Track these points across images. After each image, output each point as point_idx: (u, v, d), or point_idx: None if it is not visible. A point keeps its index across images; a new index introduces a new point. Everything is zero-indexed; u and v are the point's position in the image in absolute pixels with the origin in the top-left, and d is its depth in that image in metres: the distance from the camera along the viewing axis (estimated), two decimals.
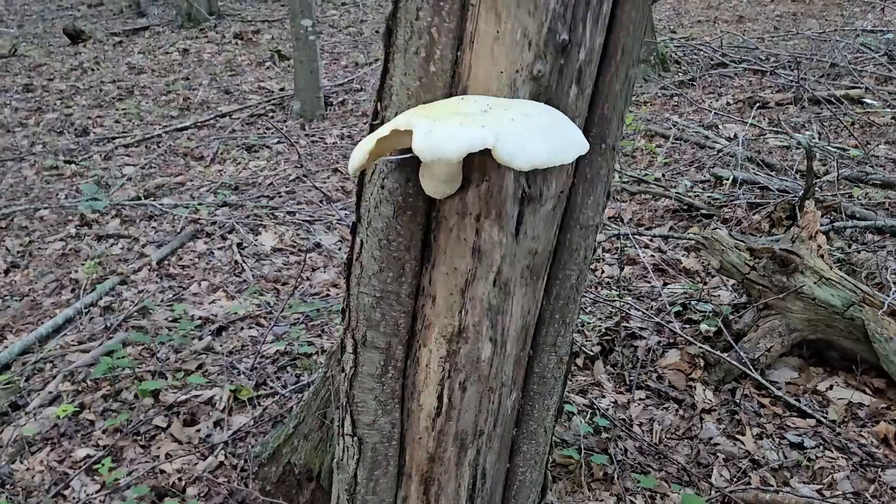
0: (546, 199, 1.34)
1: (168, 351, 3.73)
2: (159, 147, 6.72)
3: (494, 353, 1.41)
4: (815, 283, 3.15)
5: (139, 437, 3.21)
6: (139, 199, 5.52)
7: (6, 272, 4.78)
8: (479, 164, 1.27)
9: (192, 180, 5.96)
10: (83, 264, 4.64)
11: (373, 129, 1.34)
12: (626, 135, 6.24)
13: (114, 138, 6.96)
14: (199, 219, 5.14)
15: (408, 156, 1.12)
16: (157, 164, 6.35)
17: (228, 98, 8.11)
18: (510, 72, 1.23)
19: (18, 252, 4.96)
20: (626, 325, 3.58)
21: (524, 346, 1.48)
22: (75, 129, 7.25)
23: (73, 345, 3.90)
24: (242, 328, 3.96)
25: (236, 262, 4.63)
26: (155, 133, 7.02)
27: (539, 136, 1.04)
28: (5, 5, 13.93)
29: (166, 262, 4.68)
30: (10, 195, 5.88)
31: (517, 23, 1.21)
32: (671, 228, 4.65)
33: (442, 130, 1.01)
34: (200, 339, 3.85)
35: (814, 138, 5.55)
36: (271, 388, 3.43)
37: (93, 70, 9.11)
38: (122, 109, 7.72)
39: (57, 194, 5.80)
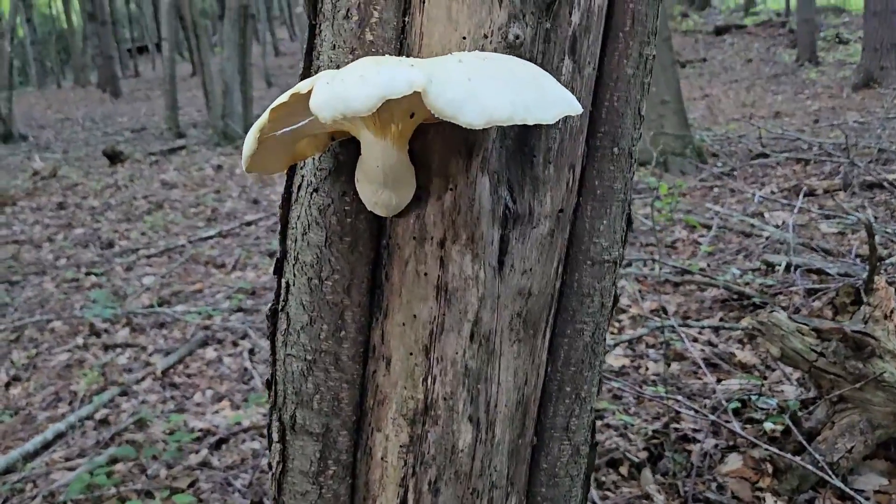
0: (539, 219, 0.98)
1: (160, 466, 3.34)
2: (181, 256, 6.56)
3: (478, 438, 1.01)
4: None
5: None
6: (152, 306, 5.27)
7: (7, 385, 4.50)
8: (439, 166, 0.92)
9: (210, 287, 5.72)
10: (84, 375, 4.34)
11: None
12: (663, 225, 5.88)
13: (137, 249, 6.83)
14: (211, 325, 4.85)
15: (303, 122, 0.77)
16: (177, 273, 6.15)
17: (256, 207, 8.02)
18: (475, 37, 0.89)
19: (23, 365, 4.70)
20: (677, 426, 3.09)
21: (523, 430, 1.08)
22: (101, 243, 7.17)
23: (60, 461, 3.54)
24: (244, 440, 3.56)
25: (246, 368, 4.28)
26: (179, 243, 6.88)
27: (500, 82, 0.69)
28: (54, 134, 14.49)
29: (172, 370, 4.36)
30: (26, 308, 5.70)
31: None
32: (721, 319, 4.19)
33: (349, 75, 0.67)
34: (197, 452, 3.46)
35: (870, 221, 5.11)
36: None
37: (126, 187, 9.18)
38: (150, 222, 7.65)
39: (72, 305, 5.60)
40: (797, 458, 2.62)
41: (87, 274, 6.30)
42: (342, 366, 0.99)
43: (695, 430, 3.07)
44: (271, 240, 6.76)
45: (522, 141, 0.95)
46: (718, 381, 3.53)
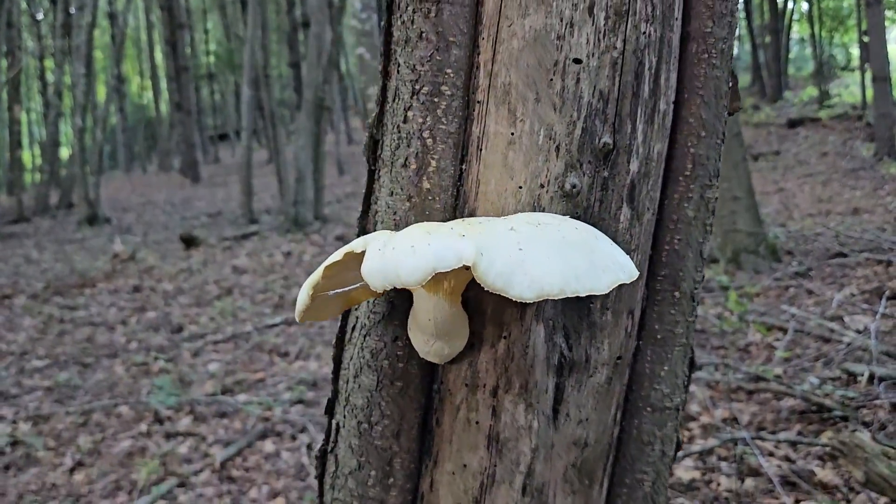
0: (596, 367, 0.94)
1: None
2: (247, 343, 6.65)
3: None
4: None
5: None
6: (215, 395, 5.33)
7: (71, 471, 4.56)
8: (493, 314, 0.90)
9: (272, 376, 5.76)
10: (145, 464, 4.37)
11: None
12: (735, 327, 5.68)
13: (205, 335, 6.97)
14: (271, 417, 4.86)
15: (356, 286, 0.76)
16: (241, 361, 6.23)
17: None
18: (532, 186, 0.89)
19: (88, 450, 4.77)
20: None
21: None
22: (171, 327, 7.35)
23: None
24: None
25: (303, 465, 4.24)
26: (245, 330, 7.00)
27: (551, 251, 0.67)
28: (136, 217, 15.18)
29: (230, 462, 4.35)
30: (96, 391, 5.83)
31: (538, 121, 0.88)
32: (799, 433, 3.96)
33: (400, 244, 0.66)
34: None
35: None
36: None
37: (199, 272, 9.47)
38: (219, 308, 7.84)
39: (140, 390, 5.71)
40: None
41: (156, 358, 6.44)
42: None
43: None
44: (335, 329, 6.81)
45: None
46: (797, 502, 3.31)
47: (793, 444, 3.82)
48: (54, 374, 6.27)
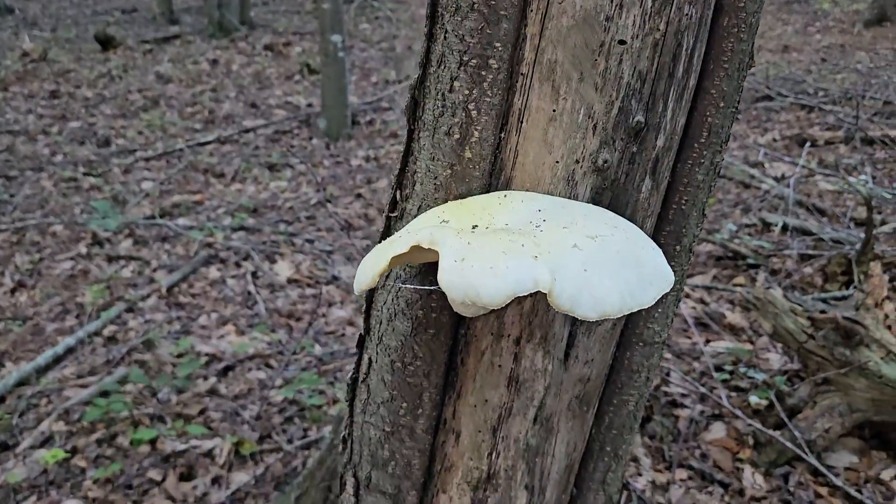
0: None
1: (170, 391, 3.49)
2: (180, 161, 6.53)
3: (530, 502, 1.13)
4: (882, 358, 2.81)
5: (131, 492, 2.96)
6: (154, 217, 5.31)
7: (13, 291, 4.58)
8: None
9: (210, 199, 5.74)
10: (90, 288, 4.43)
11: (389, 222, 1.07)
12: None
13: (135, 151, 6.78)
14: (214, 243, 4.91)
15: (433, 288, 0.84)
16: (176, 180, 6.14)
17: (254, 112, 7.91)
18: (568, 162, 0.95)
19: (27, 270, 4.77)
20: (666, 389, 3.27)
21: (566, 487, 1.19)
22: (97, 140, 7.09)
23: (72, 378, 3.68)
24: (250, 369, 3.71)
25: (249, 292, 4.39)
26: (177, 147, 6.83)
27: (610, 271, 0.75)
28: (41, 8, 13.94)
29: (176, 288, 4.46)
30: (26, 207, 5.71)
31: (580, 100, 0.93)
32: (714, 277, 4.33)
33: (479, 261, 0.73)
34: (205, 378, 3.61)
35: (868, 183, 5.20)
36: (276, 442, 3.17)
37: (120, 78, 8.98)
38: (146, 120, 7.55)
39: (72, 209, 5.62)
40: (777, 434, 2.81)
41: (86, 174, 6.27)
42: (416, 437, 1.09)
43: (683, 396, 3.25)
44: (271, 151, 6.73)
45: None
46: (707, 341, 3.70)
47: (708, 289, 4.19)
48: None
